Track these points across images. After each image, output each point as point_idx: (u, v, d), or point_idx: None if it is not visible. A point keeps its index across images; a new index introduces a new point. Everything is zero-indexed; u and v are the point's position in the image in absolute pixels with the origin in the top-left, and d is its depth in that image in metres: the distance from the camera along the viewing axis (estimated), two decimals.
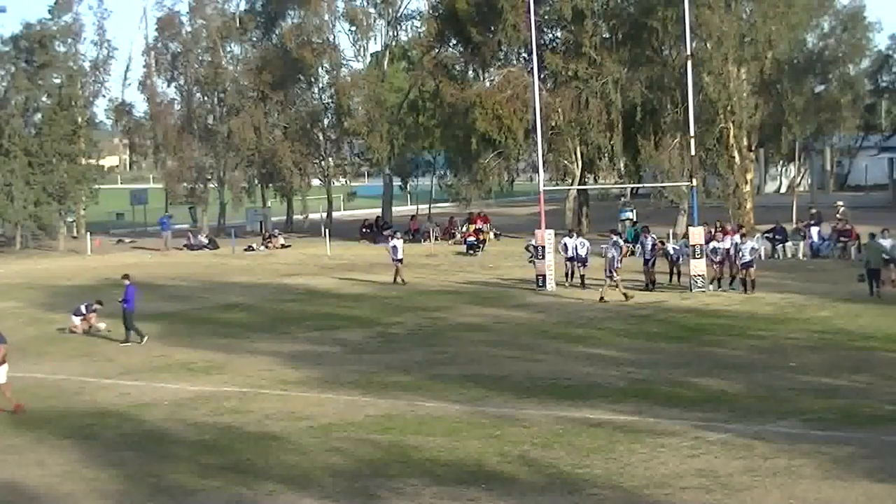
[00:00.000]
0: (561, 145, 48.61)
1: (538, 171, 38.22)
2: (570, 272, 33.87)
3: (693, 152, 35.65)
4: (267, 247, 50.90)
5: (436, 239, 51.23)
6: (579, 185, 49.19)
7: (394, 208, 58.08)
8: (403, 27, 56.37)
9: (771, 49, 46.70)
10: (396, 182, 57.99)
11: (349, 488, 14.09)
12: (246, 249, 50.40)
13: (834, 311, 27.03)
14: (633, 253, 36.35)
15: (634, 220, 46.99)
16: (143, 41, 64.03)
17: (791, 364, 20.83)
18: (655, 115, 47.23)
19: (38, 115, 55.90)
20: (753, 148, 49.61)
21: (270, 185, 59.22)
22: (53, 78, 56.34)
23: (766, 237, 39.14)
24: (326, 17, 55.91)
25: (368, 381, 20.78)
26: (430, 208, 58.69)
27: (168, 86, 60.66)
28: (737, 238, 31.99)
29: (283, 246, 50.97)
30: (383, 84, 55.26)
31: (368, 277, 37.95)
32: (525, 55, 49.10)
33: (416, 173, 58.65)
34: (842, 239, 38.03)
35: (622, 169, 51.71)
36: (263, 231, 54.76)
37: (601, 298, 30.02)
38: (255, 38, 59.86)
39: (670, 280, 32.75)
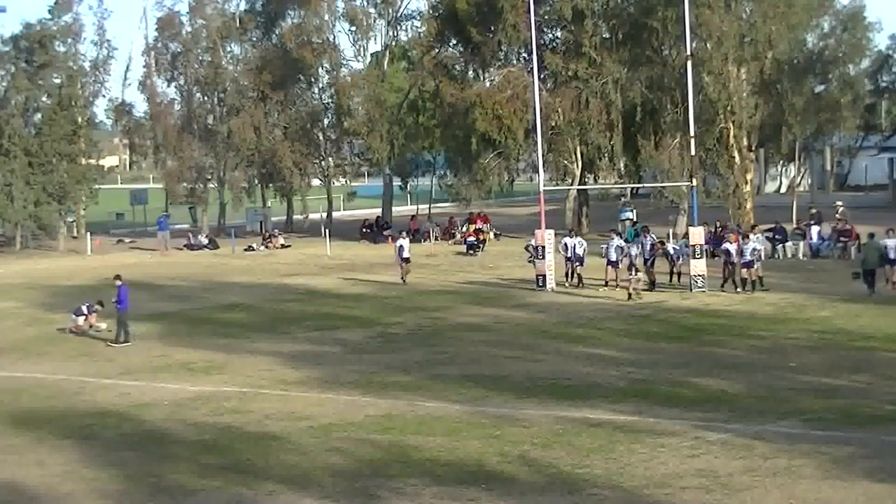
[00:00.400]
0: (561, 145, 48.61)
1: (538, 171, 38.21)
2: (570, 272, 33.90)
3: (693, 152, 35.65)
4: (267, 247, 50.90)
5: (436, 239, 51.23)
6: (579, 185, 49.19)
7: (394, 208, 58.08)
8: (403, 27, 56.46)
9: (771, 49, 46.69)
10: (396, 182, 57.98)
11: (349, 488, 14.09)
12: (246, 249, 50.40)
13: (834, 311, 27.03)
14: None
15: (634, 220, 46.99)
16: (143, 41, 64.08)
17: (791, 364, 20.83)
18: (655, 115, 47.22)
19: (38, 115, 55.91)
20: (753, 148, 49.59)
21: (270, 185, 59.22)
22: (53, 78, 56.35)
23: (767, 237, 39.13)
24: (326, 17, 55.90)
25: (368, 381, 20.78)
26: (430, 208, 58.70)
27: (168, 86, 60.78)
28: (754, 238, 32.25)
29: (283, 246, 50.98)
30: (383, 84, 55.26)
31: (368, 277, 37.96)
32: (525, 55, 49.10)
33: (416, 173, 58.65)
34: (842, 239, 38.03)
35: (622, 169, 51.72)
36: (263, 231, 54.75)
37: (629, 297, 30.15)
38: (255, 38, 59.85)
39: (670, 280, 32.76)
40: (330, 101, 57.51)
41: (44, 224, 53.57)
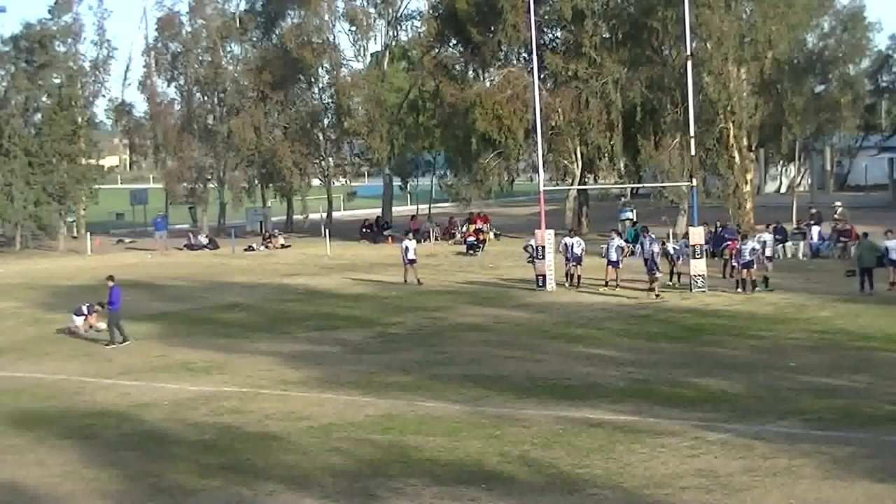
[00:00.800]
0: (561, 145, 48.62)
1: (538, 171, 38.21)
2: (571, 272, 33.87)
3: (693, 152, 35.66)
4: (267, 247, 50.91)
5: (436, 239, 51.22)
6: (579, 185, 49.20)
7: (394, 208, 58.09)
8: (403, 27, 56.50)
9: (771, 49, 46.71)
10: (396, 182, 58.00)
11: (349, 488, 14.09)
12: (246, 249, 50.41)
13: (834, 311, 27.04)
14: (633, 253, 36.35)
15: (634, 219, 47.00)
16: (143, 41, 64.12)
17: (791, 364, 20.82)
18: (655, 115, 47.23)
19: (38, 115, 55.97)
20: (753, 148, 49.61)
21: (270, 185, 59.24)
22: (53, 78, 56.39)
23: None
24: (326, 17, 55.92)
25: (368, 381, 20.78)
26: (430, 208, 58.71)
27: (168, 86, 60.83)
28: (766, 237, 32.21)
29: (283, 246, 50.99)
30: (383, 84, 55.27)
31: (368, 277, 37.97)
32: (525, 55, 49.11)
33: (416, 173, 58.68)
34: (842, 239, 38.03)
35: (622, 169, 51.71)
36: (263, 231, 54.77)
37: (657, 296, 30.26)
38: (255, 38, 59.88)
39: (670, 280, 32.75)
40: (330, 101, 57.53)
41: (44, 224, 53.59)
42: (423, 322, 27.84)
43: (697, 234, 32.04)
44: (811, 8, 47.41)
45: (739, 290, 30.63)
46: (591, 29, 47.72)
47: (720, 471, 14.16)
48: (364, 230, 53.73)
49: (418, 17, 55.30)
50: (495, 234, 50.10)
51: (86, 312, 27.84)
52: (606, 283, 32.54)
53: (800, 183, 57.94)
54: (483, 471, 14.58)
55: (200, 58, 59.21)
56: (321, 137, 58.51)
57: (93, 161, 58.79)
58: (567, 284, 33.35)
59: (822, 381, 19.24)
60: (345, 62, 56.95)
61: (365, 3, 55.99)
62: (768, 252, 32.03)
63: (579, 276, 33.48)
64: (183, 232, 55.98)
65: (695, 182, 35.58)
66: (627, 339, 24.41)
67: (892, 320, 25.12)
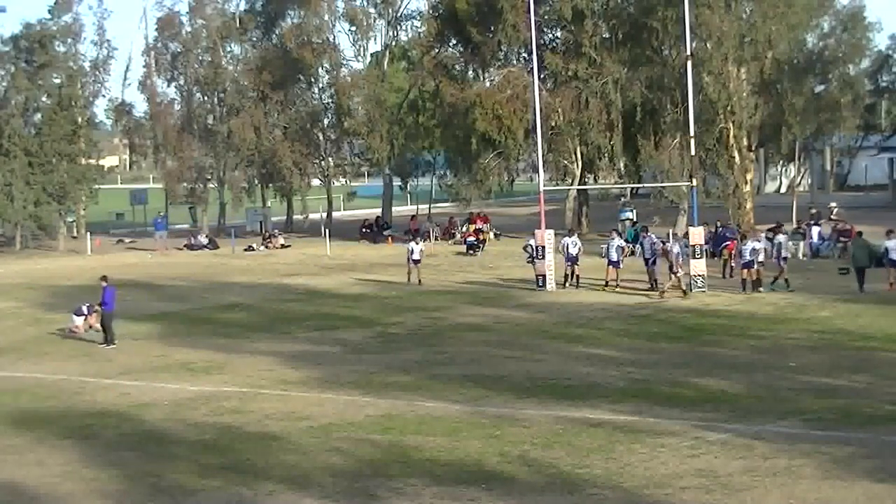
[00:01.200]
0: (561, 145, 48.63)
1: (538, 171, 38.22)
2: (568, 272, 33.85)
3: (693, 152, 35.65)
4: (267, 247, 50.91)
5: (436, 239, 51.22)
6: (579, 185, 49.21)
7: (394, 208, 58.10)
8: (403, 27, 56.50)
9: (771, 49, 46.72)
10: (396, 182, 58.00)
11: (349, 488, 14.09)
12: (246, 249, 50.41)
13: (834, 311, 27.04)
14: (632, 253, 36.37)
15: (634, 219, 47.00)
16: (143, 41, 64.05)
17: (791, 364, 20.82)
18: (655, 115, 47.23)
19: (38, 115, 55.97)
20: (753, 148, 49.62)
21: (270, 185, 59.24)
22: (53, 78, 56.39)
23: (766, 237, 39.10)
24: (326, 17, 55.92)
25: (368, 381, 20.78)
26: (430, 208, 58.71)
27: (168, 86, 60.81)
28: (781, 237, 32.21)
29: (283, 246, 50.99)
30: (383, 84, 55.27)
31: (368, 277, 37.97)
32: (525, 55, 49.11)
33: (416, 173, 58.67)
34: (842, 239, 38.01)
35: (622, 169, 51.73)
36: (263, 231, 54.77)
37: (662, 293, 30.44)
38: (255, 38, 59.88)
39: (670, 279, 32.69)
40: (330, 101, 57.53)
41: (44, 224, 53.59)
42: (423, 322, 27.84)
43: (697, 234, 32.04)
44: (811, 8, 47.42)
45: (746, 290, 30.56)
46: (591, 29, 47.72)
47: (720, 471, 14.16)
48: (364, 230, 53.73)
49: (418, 17, 55.35)
50: (495, 234, 50.10)
51: (86, 312, 27.82)
52: (606, 283, 32.55)
53: (800, 183, 57.96)
54: (483, 471, 14.58)
55: (200, 58, 59.21)
56: (321, 137, 58.51)
57: (93, 161, 58.79)
58: (567, 285, 33.32)
59: (822, 381, 19.24)
60: (345, 62, 57.04)
61: (365, 3, 56.04)
62: (784, 253, 31.90)
63: (577, 276, 33.47)
64: (183, 232, 55.96)
65: (695, 182, 35.58)
66: (627, 339, 24.42)
67: (892, 320, 25.12)
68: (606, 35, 48.96)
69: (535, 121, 38.72)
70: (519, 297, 32.06)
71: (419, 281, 35.28)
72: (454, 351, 23.69)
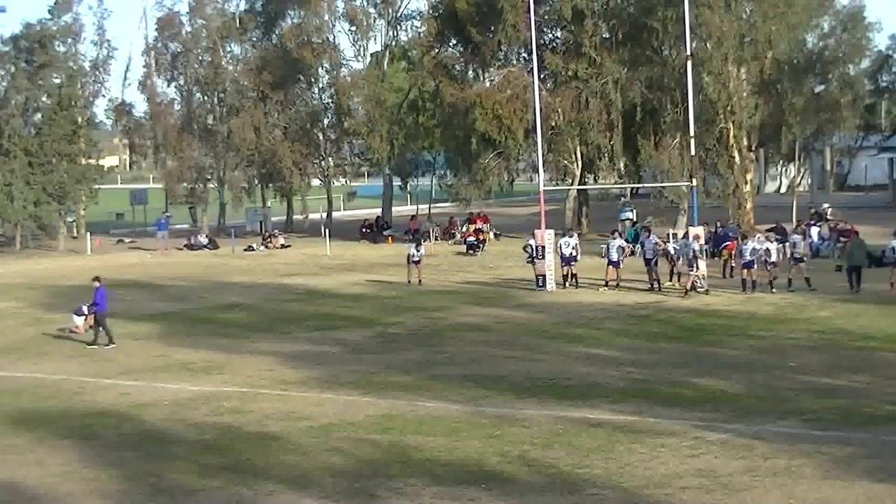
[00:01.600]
0: (561, 145, 48.62)
1: (538, 171, 38.22)
2: (566, 273, 33.83)
3: (693, 152, 35.67)
4: (267, 247, 50.91)
5: (436, 239, 51.22)
6: (579, 185, 49.21)
7: (394, 208, 58.08)
8: (403, 27, 56.45)
9: (771, 49, 46.72)
10: (396, 182, 57.99)
11: (349, 488, 14.09)
12: (246, 249, 50.41)
13: (834, 311, 27.04)
14: (633, 253, 36.36)
15: (634, 219, 47.01)
16: (143, 41, 64.06)
17: (791, 364, 20.83)
18: (655, 115, 47.22)
19: (38, 115, 55.97)
20: (753, 148, 49.62)
21: (270, 185, 59.23)
22: (53, 78, 56.39)
23: (774, 238, 39.08)
24: (326, 17, 55.89)
25: (368, 381, 20.78)
26: (430, 208, 58.71)
27: (168, 86, 60.81)
28: (796, 237, 32.19)
29: (283, 246, 50.99)
30: (383, 84, 55.25)
31: (368, 277, 37.97)
32: (525, 55, 49.10)
33: (416, 173, 58.65)
34: (842, 239, 37.98)
35: (622, 169, 51.71)
36: (263, 231, 54.77)
37: (686, 293, 30.32)
38: (255, 38, 59.87)
39: (670, 280, 32.76)
40: (330, 101, 57.52)
41: (44, 224, 53.60)
42: (423, 322, 27.84)
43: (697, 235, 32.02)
44: (811, 8, 47.42)
45: (746, 290, 30.55)
46: (591, 29, 47.71)
47: (720, 471, 14.16)
48: (364, 230, 53.73)
49: (418, 17, 55.31)
50: (495, 234, 50.09)
51: (86, 313, 27.77)
52: (606, 283, 32.55)
53: (800, 183, 57.94)
54: (483, 471, 14.58)
55: (200, 58, 59.20)
56: (321, 137, 58.50)
57: (93, 161, 58.76)
58: (565, 285, 33.29)
59: (822, 381, 19.24)
60: (345, 62, 56.99)
61: (365, 3, 56.01)
62: (797, 253, 31.73)
63: (574, 276, 33.46)
64: (183, 232, 55.95)
65: (695, 182, 35.59)
66: (627, 339, 24.42)
67: (892, 320, 25.12)
68: (606, 35, 48.95)
69: (535, 121, 38.72)
70: (519, 297, 32.06)
71: (419, 281, 35.29)
72: (454, 351, 23.69)
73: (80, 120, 56.84)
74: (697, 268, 30.84)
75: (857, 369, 20.10)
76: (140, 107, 67.13)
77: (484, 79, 52.16)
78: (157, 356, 24.43)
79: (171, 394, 20.33)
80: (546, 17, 49.62)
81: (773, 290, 30.26)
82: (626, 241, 36.97)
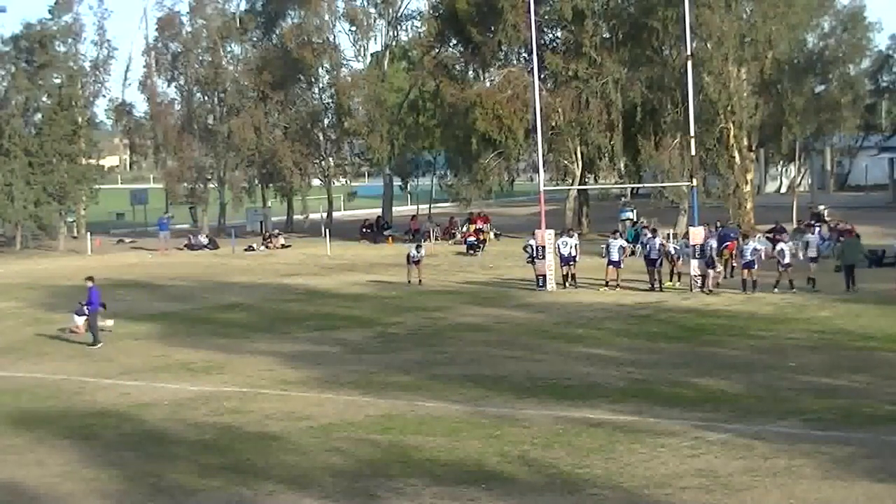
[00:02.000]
0: (561, 145, 48.63)
1: (538, 171, 38.21)
2: (565, 273, 33.82)
3: (693, 152, 35.68)
4: (267, 247, 50.91)
5: (436, 239, 51.22)
6: (579, 185, 49.21)
7: (394, 208, 58.08)
8: (403, 27, 56.48)
9: (771, 49, 46.73)
10: (396, 182, 57.99)
11: (349, 488, 14.09)
12: (246, 249, 50.41)
13: (834, 311, 27.05)
14: (633, 253, 36.37)
15: (634, 219, 47.00)
16: (143, 41, 64.09)
17: (791, 364, 20.83)
18: (655, 115, 47.24)
19: (39, 115, 55.95)
20: (753, 148, 49.64)
21: (270, 185, 59.22)
22: (53, 78, 56.37)
23: (767, 237, 39.12)
24: (326, 17, 55.90)
25: (368, 381, 20.78)
26: (430, 208, 58.72)
27: (168, 86, 60.78)
28: (809, 237, 32.14)
29: (283, 246, 50.99)
30: (383, 84, 55.26)
31: (368, 277, 37.97)
32: (525, 55, 49.10)
33: (416, 173, 58.66)
34: (841, 239, 37.97)
35: (622, 169, 51.71)
36: (263, 231, 54.78)
37: (710, 291, 30.48)
38: (255, 38, 59.85)
39: (670, 279, 32.76)
40: (330, 101, 57.51)
41: (44, 224, 53.58)
42: (423, 322, 27.84)
43: (697, 234, 32.04)
44: (811, 8, 47.44)
45: (747, 290, 30.53)
46: (592, 29, 47.72)
47: (720, 471, 14.16)
48: (364, 230, 53.73)
49: (418, 17, 55.34)
50: (495, 234, 50.09)
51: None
52: (607, 283, 32.56)
53: (800, 183, 57.94)
54: (483, 471, 14.58)
55: (200, 58, 59.18)
56: (321, 137, 58.49)
57: (93, 161, 58.77)
58: (565, 285, 33.28)
59: (822, 381, 19.24)
60: (345, 62, 57.01)
61: (365, 3, 56.02)
62: (811, 253, 31.64)
63: (573, 276, 33.46)
64: (183, 232, 55.96)
65: (695, 182, 35.59)
66: (627, 339, 24.42)
67: (892, 320, 25.13)
68: (607, 35, 48.97)
69: (535, 121, 38.71)
70: (519, 297, 32.06)
71: (420, 281, 35.30)
72: (454, 351, 23.69)
73: (80, 120, 56.84)
74: (716, 266, 30.86)
75: (857, 369, 20.10)
76: (140, 107, 67.21)
77: (484, 79, 52.18)
78: (157, 356, 24.43)
79: (171, 394, 20.32)
80: (546, 17, 49.62)
81: (776, 290, 30.19)
82: (627, 241, 36.99)
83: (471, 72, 52.73)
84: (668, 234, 38.85)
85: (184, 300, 33.86)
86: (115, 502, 14.13)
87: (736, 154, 45.74)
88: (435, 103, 53.60)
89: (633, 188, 55.16)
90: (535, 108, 37.60)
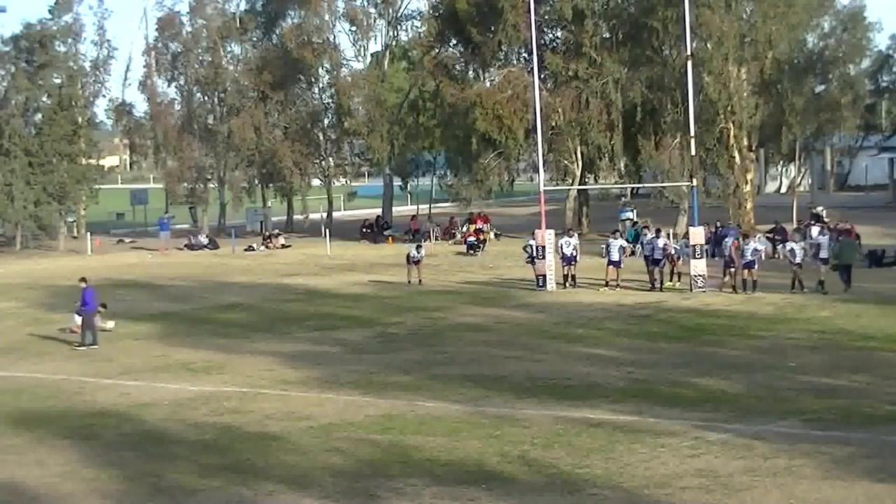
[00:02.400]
0: (561, 145, 48.64)
1: (538, 171, 38.21)
2: (566, 273, 33.83)
3: (693, 152, 35.68)
4: (267, 247, 50.91)
5: (436, 239, 51.22)
6: (579, 185, 49.21)
7: (394, 208, 58.09)
8: (403, 27, 56.54)
9: (771, 49, 46.74)
10: (396, 182, 58.00)
11: (349, 488, 14.09)
12: (246, 249, 50.41)
13: (834, 311, 27.04)
14: (633, 253, 36.37)
15: (634, 220, 47.01)
16: (143, 41, 64.13)
17: (791, 364, 20.82)
18: (655, 115, 47.25)
19: (39, 115, 55.99)
20: (753, 148, 49.64)
21: (270, 185, 59.24)
22: (53, 78, 56.40)
23: (767, 237, 39.11)
24: (327, 17, 55.93)
25: (368, 381, 20.78)
26: (430, 208, 58.73)
27: (168, 86, 60.82)
28: (821, 238, 31.94)
29: (283, 246, 50.99)
30: (383, 84, 55.27)
31: (368, 277, 37.97)
32: (525, 55, 49.12)
33: (416, 173, 58.69)
34: (840, 238, 37.94)
35: (622, 169, 51.72)
36: (263, 231, 54.78)
37: (734, 289, 30.55)
38: (255, 38, 59.89)
39: (670, 279, 32.76)
40: (330, 101, 57.54)
41: (44, 224, 53.59)
42: (423, 322, 27.84)
43: (697, 234, 32.04)
44: (811, 8, 47.45)
45: (747, 290, 30.51)
46: (592, 29, 47.74)
47: (720, 471, 14.16)
48: (364, 230, 53.73)
49: (418, 17, 55.37)
50: (495, 234, 50.10)
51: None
52: (607, 283, 32.56)
53: (800, 183, 57.95)
54: (483, 471, 14.58)
55: (200, 58, 59.20)
56: (321, 137, 58.51)
57: (93, 161, 58.81)
58: (565, 285, 33.28)
59: (822, 381, 19.24)
60: (345, 62, 57.05)
61: (365, 3, 56.05)
62: (823, 254, 31.50)
63: (573, 276, 33.47)
64: (183, 232, 55.96)
65: (695, 182, 35.59)
66: (627, 339, 24.41)
67: (892, 320, 25.13)
68: (607, 35, 48.98)
69: (535, 121, 38.71)
70: (519, 297, 32.06)
71: (420, 281, 35.30)
72: (454, 351, 23.69)
73: (80, 120, 56.87)
74: (734, 266, 30.84)
75: (857, 369, 20.10)
76: (140, 107, 67.33)
77: (484, 79, 52.18)
78: (157, 356, 24.42)
79: (171, 394, 20.32)
80: (546, 17, 49.64)
81: (794, 290, 30.06)
82: (627, 240, 37.00)
83: (471, 72, 52.75)
84: (669, 234, 38.85)
85: (184, 300, 33.85)
86: (115, 502, 14.13)
87: (736, 154, 45.75)
88: (435, 103, 53.62)
89: (633, 188, 55.16)
90: (535, 108, 37.60)
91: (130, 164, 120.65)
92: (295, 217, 59.44)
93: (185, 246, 52.23)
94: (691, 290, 31.01)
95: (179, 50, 59.68)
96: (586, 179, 52.02)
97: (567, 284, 33.31)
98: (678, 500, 13.20)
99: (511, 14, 47.37)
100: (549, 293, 32.37)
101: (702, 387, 19.21)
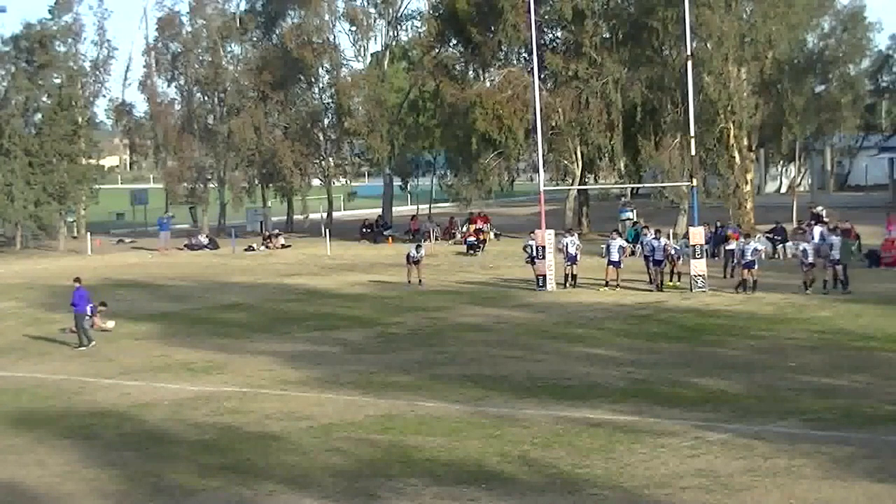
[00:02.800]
0: (561, 145, 48.64)
1: (538, 171, 38.21)
2: (568, 272, 33.85)
3: (693, 152, 35.66)
4: (267, 247, 50.91)
5: (436, 239, 51.22)
6: (579, 185, 49.21)
7: (394, 208, 58.09)
8: (403, 27, 56.49)
9: (771, 49, 46.72)
10: (396, 182, 58.01)
11: (349, 488, 14.09)
12: (246, 249, 50.41)
13: (834, 311, 27.04)
14: (633, 253, 36.38)
15: (634, 220, 47.01)
16: (143, 41, 64.18)
17: (791, 364, 20.82)
18: (655, 115, 47.25)
19: (39, 115, 55.96)
20: (753, 148, 49.63)
21: (270, 185, 59.23)
22: (53, 78, 56.40)
23: (767, 237, 39.15)
24: (326, 17, 55.92)
25: (368, 381, 20.78)
26: (430, 208, 58.73)
27: (168, 86, 60.82)
28: (833, 238, 31.70)
29: (283, 246, 50.99)
30: (383, 84, 55.26)
31: (368, 277, 37.97)
32: (525, 55, 49.12)
33: (416, 173, 58.67)
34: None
35: (622, 169, 51.71)
36: (263, 231, 54.79)
37: (748, 288, 30.41)
38: (255, 38, 59.87)
39: (671, 279, 32.77)
40: (330, 101, 57.53)
41: (44, 224, 53.59)
42: (423, 322, 27.84)
43: (697, 234, 32.05)
44: (811, 8, 47.43)
45: (744, 290, 30.51)
46: (592, 29, 47.74)
47: (720, 471, 14.16)
48: (364, 230, 53.72)
49: (418, 17, 55.34)
50: (495, 234, 50.09)
51: (90, 313, 27.78)
52: (607, 283, 32.57)
53: (800, 183, 57.94)
54: (483, 471, 14.58)
55: (200, 58, 59.20)
56: (321, 137, 58.50)
57: (93, 161, 58.79)
58: (566, 284, 33.31)
59: (822, 381, 19.24)
60: (345, 62, 57.03)
61: (365, 3, 56.02)
62: (835, 255, 31.05)
63: (574, 276, 33.48)
64: (183, 232, 55.96)
65: (695, 182, 35.58)
66: (627, 339, 24.41)
67: (892, 320, 25.13)
68: (607, 35, 48.98)
69: (535, 121, 38.71)
70: (519, 297, 32.06)
71: (420, 281, 35.29)
72: (454, 351, 23.69)
73: (80, 120, 56.86)
74: (750, 267, 30.83)
75: (857, 369, 20.10)
76: (140, 107, 67.41)
77: (484, 79, 52.17)
78: (157, 356, 24.43)
79: (171, 394, 20.33)
80: (546, 17, 49.63)
81: (809, 291, 30.00)
82: (627, 240, 37.00)
83: (471, 72, 52.74)
84: (668, 235, 38.86)
85: (184, 300, 33.86)
86: (115, 502, 14.14)
87: (736, 154, 45.73)
88: (435, 103, 53.62)
89: (633, 188, 55.17)
90: (535, 108, 37.59)
91: (130, 164, 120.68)
92: (295, 217, 59.44)
93: (185, 246, 52.23)
94: (691, 290, 31.01)
95: (179, 50, 59.69)
96: (586, 179, 52.02)
97: (567, 284, 33.32)
98: (678, 500, 13.20)
99: (511, 14, 47.38)
100: (549, 293, 32.37)
101: (702, 387, 19.21)
